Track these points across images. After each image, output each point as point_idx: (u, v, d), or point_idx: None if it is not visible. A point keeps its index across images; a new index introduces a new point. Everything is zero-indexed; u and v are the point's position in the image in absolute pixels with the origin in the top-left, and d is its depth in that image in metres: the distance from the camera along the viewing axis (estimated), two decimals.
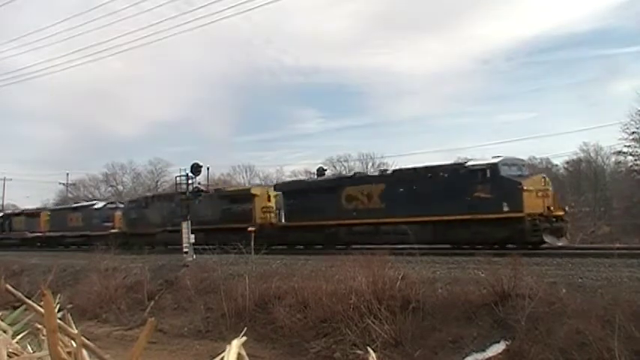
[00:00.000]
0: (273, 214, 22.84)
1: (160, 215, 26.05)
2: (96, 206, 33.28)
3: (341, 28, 70.60)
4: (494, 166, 16.15)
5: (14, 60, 77.28)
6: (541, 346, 8.69)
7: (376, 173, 20.11)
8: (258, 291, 13.74)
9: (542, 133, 75.40)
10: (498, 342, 9.37)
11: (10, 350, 1.55)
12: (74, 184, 56.77)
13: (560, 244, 15.49)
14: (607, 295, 9.30)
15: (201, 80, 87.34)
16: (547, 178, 16.84)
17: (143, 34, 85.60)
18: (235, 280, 14.77)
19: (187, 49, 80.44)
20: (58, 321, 1.53)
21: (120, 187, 58.10)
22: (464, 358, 9.41)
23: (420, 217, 17.10)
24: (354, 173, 21.59)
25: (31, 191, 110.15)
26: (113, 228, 29.42)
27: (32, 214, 37.37)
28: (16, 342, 1.69)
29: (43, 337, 1.70)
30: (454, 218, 16.26)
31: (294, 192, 22.39)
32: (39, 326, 1.79)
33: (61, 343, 1.51)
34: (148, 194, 27.89)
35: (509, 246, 15.49)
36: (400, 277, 11.84)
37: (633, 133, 30.36)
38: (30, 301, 1.74)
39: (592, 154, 38.78)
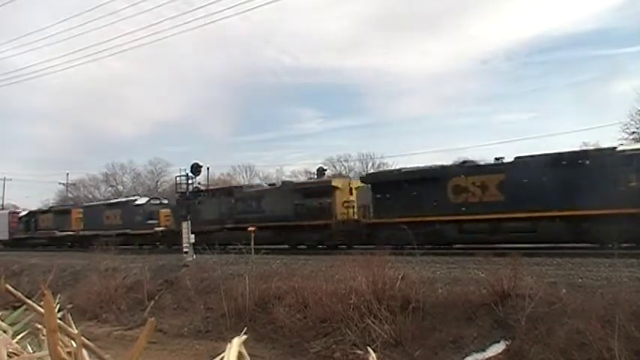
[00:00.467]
0: (353, 210, 20.47)
1: (218, 211, 23.85)
2: (137, 202, 30.54)
3: (340, 28, 70.65)
4: None
5: (14, 60, 77.53)
6: (541, 346, 8.69)
7: (491, 161, 17.44)
8: (258, 291, 13.73)
9: (542, 133, 75.21)
10: (498, 342, 9.37)
11: (10, 350, 1.54)
12: (74, 184, 56.93)
13: None
14: (607, 295, 9.30)
15: (200, 80, 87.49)
16: None
17: (143, 34, 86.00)
18: (235, 280, 14.77)
19: (187, 49, 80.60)
20: (58, 321, 1.53)
21: (120, 187, 58.23)
22: (464, 358, 9.41)
23: (552, 211, 14.74)
24: (463, 161, 18.42)
25: (30, 191, 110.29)
26: (158, 226, 27.12)
27: (62, 212, 35.07)
28: (16, 342, 1.69)
29: (43, 337, 1.70)
30: (602, 213, 13.58)
31: (385, 184, 19.16)
32: (39, 326, 1.78)
33: (61, 343, 1.50)
34: (203, 188, 25.20)
35: (509, 246, 14.96)
36: (400, 277, 11.83)
37: (633, 133, 30.34)
38: (30, 301, 1.74)
39: None
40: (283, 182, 25.32)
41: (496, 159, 17.51)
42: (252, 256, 16.61)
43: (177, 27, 72.02)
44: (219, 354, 1.62)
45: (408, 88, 77.07)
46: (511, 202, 15.60)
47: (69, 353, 1.51)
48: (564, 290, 9.93)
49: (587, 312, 8.80)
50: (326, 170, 28.65)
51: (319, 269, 14.51)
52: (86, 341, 1.58)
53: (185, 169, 21.93)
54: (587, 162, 14.86)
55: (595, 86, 52.31)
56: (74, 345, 1.56)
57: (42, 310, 1.56)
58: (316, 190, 21.18)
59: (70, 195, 54.62)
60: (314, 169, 29.14)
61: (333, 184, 21.05)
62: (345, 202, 20.46)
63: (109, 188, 58.48)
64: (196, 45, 79.66)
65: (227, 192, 24.58)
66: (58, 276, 19.88)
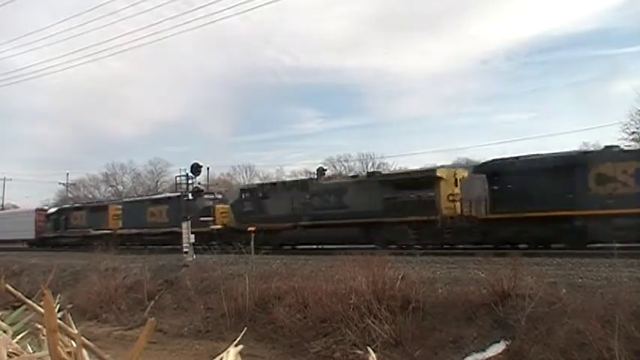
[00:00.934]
0: (459, 203, 18.20)
1: (290, 207, 21.56)
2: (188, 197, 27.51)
3: (340, 28, 70.64)
4: None
5: (14, 60, 77.49)
6: (541, 346, 8.69)
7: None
8: (258, 291, 13.73)
9: (542, 133, 75.39)
10: (498, 342, 9.37)
11: (10, 350, 1.54)
12: (74, 184, 56.90)
13: None
14: (607, 295, 9.30)
15: (200, 80, 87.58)
16: None
17: (143, 34, 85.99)
18: (235, 280, 14.77)
19: (187, 49, 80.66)
20: (58, 321, 1.53)
21: (120, 187, 58.29)
22: (464, 358, 9.41)
23: None
24: (606, 146, 16.01)
25: (30, 191, 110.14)
26: (214, 223, 24.73)
27: (97, 208, 32.04)
28: (16, 342, 1.69)
29: (43, 337, 1.70)
30: None
31: (505, 173, 16.54)
32: (39, 326, 1.78)
33: (61, 343, 1.50)
34: (268, 181, 23.60)
35: (509, 246, 14.97)
36: (400, 277, 11.83)
37: (633, 133, 30.32)
38: (30, 301, 1.74)
39: None
40: (369, 173, 22.87)
41: None
42: (252, 256, 16.62)
43: (177, 27, 72.04)
44: (218, 354, 1.63)
45: (408, 88, 77.23)
46: None
47: (69, 353, 1.51)
48: (564, 290, 9.93)
49: (587, 312, 8.80)
50: (326, 170, 28.59)
51: (319, 269, 14.51)
52: (86, 341, 1.58)
53: (185, 169, 21.86)
54: None
55: (595, 86, 52.43)
56: (74, 345, 1.56)
57: (42, 310, 1.56)
58: (414, 182, 18.71)
59: (70, 195, 54.62)
60: (314, 169, 29.10)
61: (438, 174, 18.31)
62: (450, 194, 18.05)
63: (109, 188, 58.59)
64: (196, 45, 79.84)
65: (301, 185, 22.37)
66: (58, 276, 19.86)
